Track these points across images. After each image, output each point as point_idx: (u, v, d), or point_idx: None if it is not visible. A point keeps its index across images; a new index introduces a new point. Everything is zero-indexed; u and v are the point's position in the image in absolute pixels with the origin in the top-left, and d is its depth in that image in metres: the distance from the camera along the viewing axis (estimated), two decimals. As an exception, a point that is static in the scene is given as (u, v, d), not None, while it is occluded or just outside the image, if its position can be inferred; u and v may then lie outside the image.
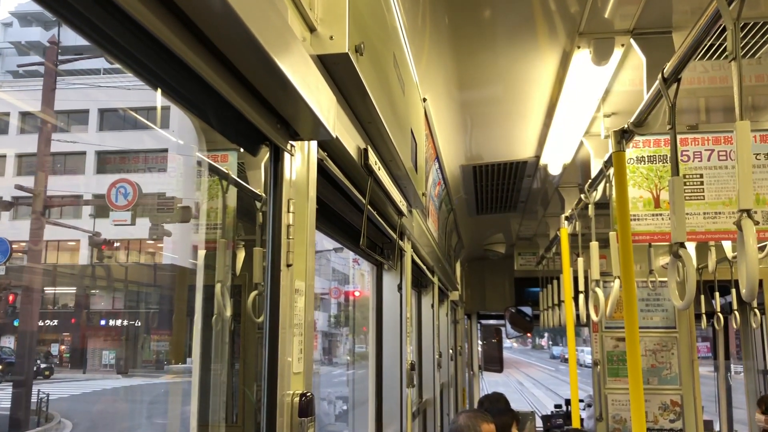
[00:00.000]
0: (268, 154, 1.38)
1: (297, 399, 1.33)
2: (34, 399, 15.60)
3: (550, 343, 56.93)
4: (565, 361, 47.60)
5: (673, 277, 2.07)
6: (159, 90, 1.07)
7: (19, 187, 16.99)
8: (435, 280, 4.92)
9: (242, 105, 1.14)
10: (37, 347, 30.48)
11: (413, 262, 3.57)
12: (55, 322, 32.37)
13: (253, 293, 1.44)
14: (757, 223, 1.55)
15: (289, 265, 1.35)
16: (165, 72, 1.02)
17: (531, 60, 3.25)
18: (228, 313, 1.54)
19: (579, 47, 2.92)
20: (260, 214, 1.48)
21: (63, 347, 32.34)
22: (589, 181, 3.84)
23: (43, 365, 26.79)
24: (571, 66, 3.10)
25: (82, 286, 32.57)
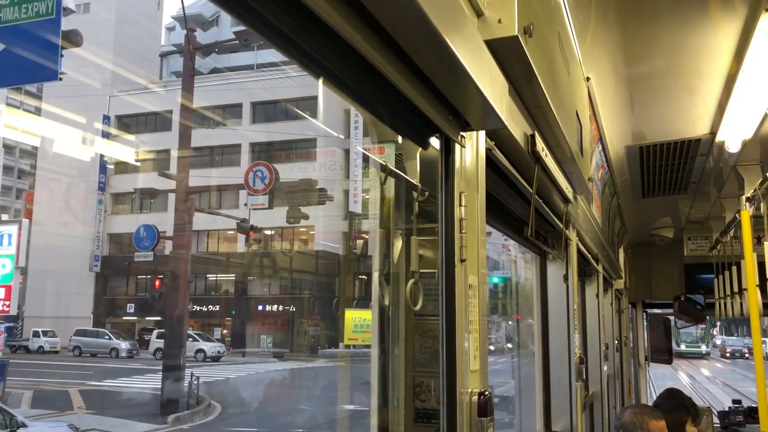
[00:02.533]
0: (426, 148, 1.35)
1: (476, 398, 1.29)
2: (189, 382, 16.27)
3: (715, 333, 52.43)
4: (731, 355, 43.91)
5: None
6: (330, 82, 1.06)
7: (163, 174, 17.93)
8: (599, 268, 4.69)
9: (414, 95, 1.10)
10: (206, 331, 32.69)
11: (578, 251, 3.42)
12: (217, 307, 34.46)
13: (410, 281, 1.41)
14: None
15: (462, 260, 1.31)
16: (338, 65, 1.00)
17: (705, 30, 2.98)
18: (387, 300, 1.53)
19: (766, 11, 2.63)
20: (416, 203, 1.46)
21: (225, 332, 34.35)
22: (776, 158, 3.48)
23: (219, 350, 28.46)
24: (756, 33, 2.80)
25: (239, 273, 34.46)
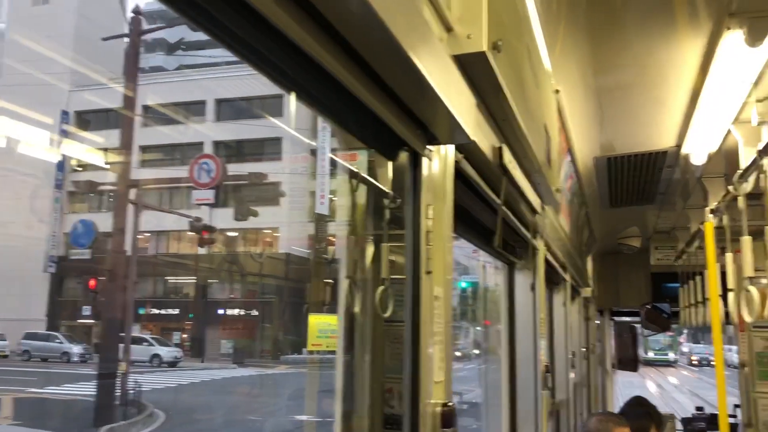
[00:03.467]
0: (399, 155, 1.36)
1: (439, 409, 1.30)
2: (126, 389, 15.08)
3: (683, 341, 52.69)
4: (698, 363, 44.09)
5: None
6: (297, 95, 1.06)
7: (101, 168, 16.82)
8: (567, 277, 4.75)
9: (381, 110, 1.11)
10: (162, 335, 31.87)
11: (545, 260, 3.46)
12: (177, 310, 33.76)
13: (380, 288, 1.42)
14: None
15: (428, 272, 1.32)
16: (306, 79, 1.01)
17: (671, 44, 3.04)
18: (356, 307, 1.54)
19: (729, 29, 2.69)
20: (387, 210, 1.47)
21: (184, 336, 33.61)
22: (739, 171, 3.55)
23: (176, 355, 27.65)
24: (719, 49, 2.87)
25: (200, 276, 33.76)
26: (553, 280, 4.70)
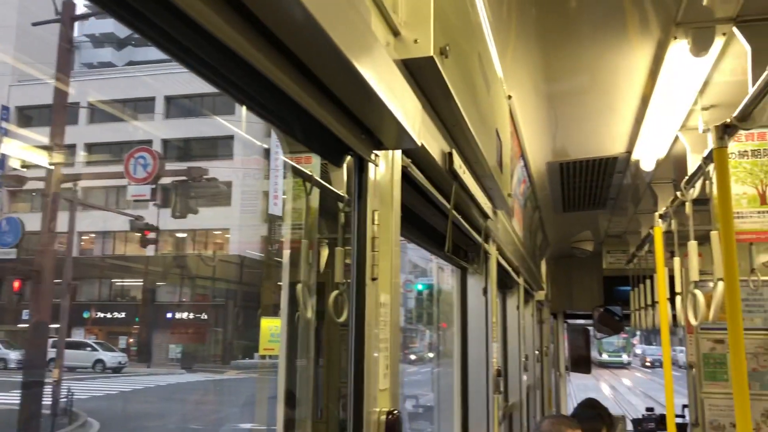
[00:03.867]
0: (350, 159, 1.34)
1: (384, 417, 1.29)
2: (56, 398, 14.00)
3: (635, 342, 53.22)
4: (651, 365, 44.54)
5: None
6: (236, 99, 1.04)
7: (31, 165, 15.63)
8: (520, 281, 4.79)
9: (324, 116, 1.10)
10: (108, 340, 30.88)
11: (498, 264, 3.48)
12: (123, 314, 32.81)
13: (334, 293, 1.41)
14: None
15: (374, 279, 1.31)
16: (245, 83, 0.99)
17: (622, 52, 3.09)
18: (309, 311, 1.52)
19: (675, 38, 2.75)
20: (342, 214, 1.45)
21: (131, 340, 32.60)
22: (686, 177, 3.63)
23: (120, 360, 26.71)
24: (667, 57, 2.93)
25: (148, 278, 32.83)
26: (506, 284, 4.74)
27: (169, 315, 32.31)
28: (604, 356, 44.82)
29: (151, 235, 17.11)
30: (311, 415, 1.50)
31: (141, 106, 34.04)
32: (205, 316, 31.81)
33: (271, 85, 0.96)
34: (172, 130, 32.86)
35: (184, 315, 32.33)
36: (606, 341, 41.93)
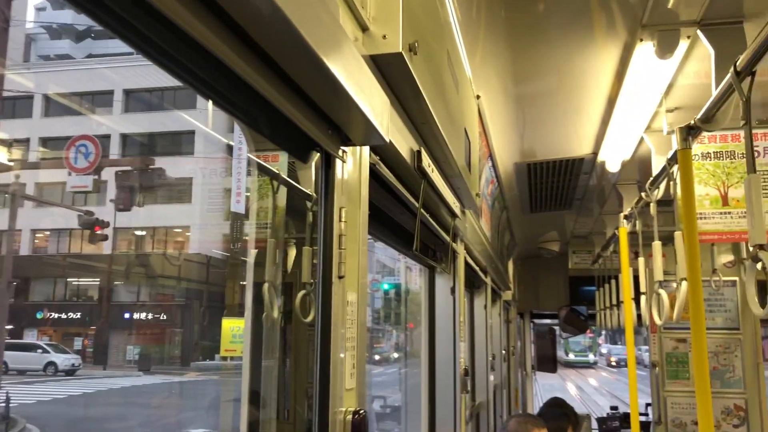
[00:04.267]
0: (318, 156, 1.32)
1: (350, 417, 1.27)
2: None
3: (601, 342, 53.18)
4: (616, 364, 44.55)
5: (751, 283, 1.93)
6: (201, 93, 1.02)
7: None
8: (488, 280, 4.81)
9: (291, 111, 1.08)
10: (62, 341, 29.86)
11: (466, 263, 3.49)
12: (79, 314, 31.76)
13: (302, 292, 1.39)
14: None
15: (341, 277, 1.29)
16: (210, 77, 0.96)
17: (589, 53, 3.12)
18: (275, 311, 1.49)
19: (641, 40, 2.78)
20: (310, 213, 1.43)
21: (87, 341, 31.51)
22: (651, 178, 3.68)
23: (74, 362, 25.71)
24: (633, 59, 2.96)
25: (104, 277, 31.87)
26: (474, 284, 4.75)
27: (127, 315, 31.39)
28: (571, 356, 44.20)
29: (103, 231, 16.22)
30: (277, 416, 1.48)
31: (99, 99, 33.20)
32: (165, 317, 30.96)
33: (236, 79, 0.94)
34: (132, 125, 32.10)
35: (143, 315, 31.45)
36: (572, 341, 41.70)
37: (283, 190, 1.59)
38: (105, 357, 29.52)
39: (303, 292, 1.37)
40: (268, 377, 1.44)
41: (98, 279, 31.96)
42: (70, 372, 25.26)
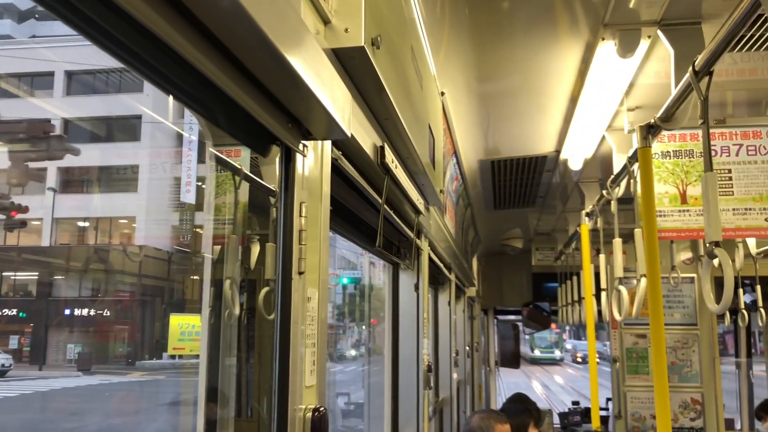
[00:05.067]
0: (279, 153, 1.30)
1: (309, 414, 1.26)
2: None
3: (566, 338, 52.58)
4: (582, 360, 43.56)
5: (706, 279, 1.97)
6: (157, 85, 0.99)
7: None
8: (452, 277, 4.83)
9: (249, 103, 1.05)
10: None
11: (430, 260, 3.49)
12: (14, 311, 30.07)
13: (265, 289, 1.37)
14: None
15: (301, 273, 1.27)
16: (166, 68, 0.94)
17: (553, 52, 3.14)
18: (236, 308, 1.47)
19: (603, 39, 2.81)
20: (273, 209, 1.42)
21: (24, 340, 29.86)
22: (612, 176, 3.73)
23: (4, 362, 23.94)
24: (595, 58, 2.99)
25: (43, 271, 30.26)
26: (438, 280, 4.77)
27: (67, 311, 29.97)
28: (537, 352, 43.30)
29: (22, 215, 14.87)
30: (238, 414, 1.46)
31: (39, 82, 31.78)
32: (108, 313, 29.70)
33: (191, 69, 0.91)
34: (73, 108, 30.85)
35: (85, 311, 30.11)
36: (538, 336, 40.86)
37: (245, 186, 1.56)
38: (43, 356, 28.07)
39: (267, 288, 1.35)
40: (228, 375, 1.42)
41: (37, 273, 30.46)
42: (1, 373, 23.54)
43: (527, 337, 38.89)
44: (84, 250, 29.83)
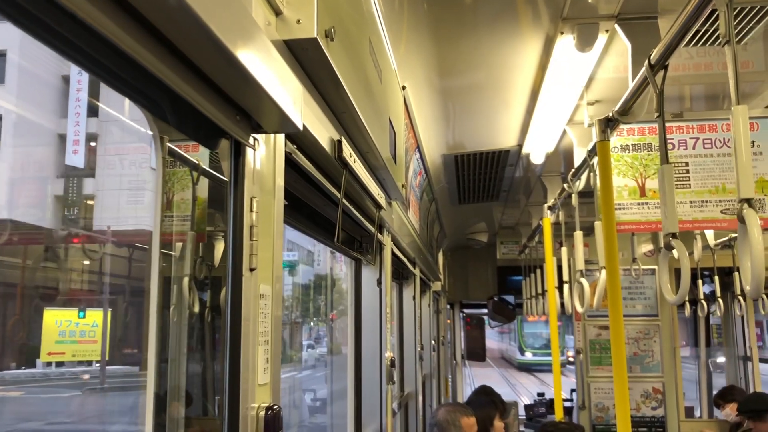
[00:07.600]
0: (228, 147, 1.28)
1: (263, 413, 1.23)
2: None
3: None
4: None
5: (664, 270, 1.99)
6: (99, 79, 0.96)
7: None
8: (416, 271, 4.83)
9: (194, 96, 1.02)
10: None
11: (393, 255, 3.48)
12: None
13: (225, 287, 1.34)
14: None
15: (252, 269, 1.25)
16: (105, 58, 0.90)
17: (513, 46, 3.15)
18: (186, 306, 1.44)
19: (562, 33, 2.83)
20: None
21: None
22: (573, 170, 3.76)
23: None
24: (554, 52, 3.01)
25: None
26: (402, 275, 4.76)
27: None
28: (528, 355, 29.40)
29: None
30: (187, 415, 1.43)
31: None
32: None
33: (132, 62, 0.88)
34: None
35: None
36: (530, 333, 29.14)
37: (203, 181, 1.53)
38: None
39: (215, 286, 1.33)
40: (178, 374, 1.39)
41: None
42: None
43: (517, 335, 29.60)
44: None
